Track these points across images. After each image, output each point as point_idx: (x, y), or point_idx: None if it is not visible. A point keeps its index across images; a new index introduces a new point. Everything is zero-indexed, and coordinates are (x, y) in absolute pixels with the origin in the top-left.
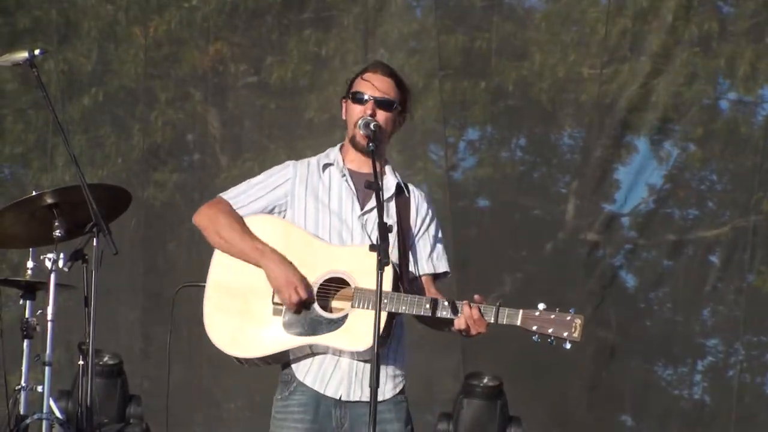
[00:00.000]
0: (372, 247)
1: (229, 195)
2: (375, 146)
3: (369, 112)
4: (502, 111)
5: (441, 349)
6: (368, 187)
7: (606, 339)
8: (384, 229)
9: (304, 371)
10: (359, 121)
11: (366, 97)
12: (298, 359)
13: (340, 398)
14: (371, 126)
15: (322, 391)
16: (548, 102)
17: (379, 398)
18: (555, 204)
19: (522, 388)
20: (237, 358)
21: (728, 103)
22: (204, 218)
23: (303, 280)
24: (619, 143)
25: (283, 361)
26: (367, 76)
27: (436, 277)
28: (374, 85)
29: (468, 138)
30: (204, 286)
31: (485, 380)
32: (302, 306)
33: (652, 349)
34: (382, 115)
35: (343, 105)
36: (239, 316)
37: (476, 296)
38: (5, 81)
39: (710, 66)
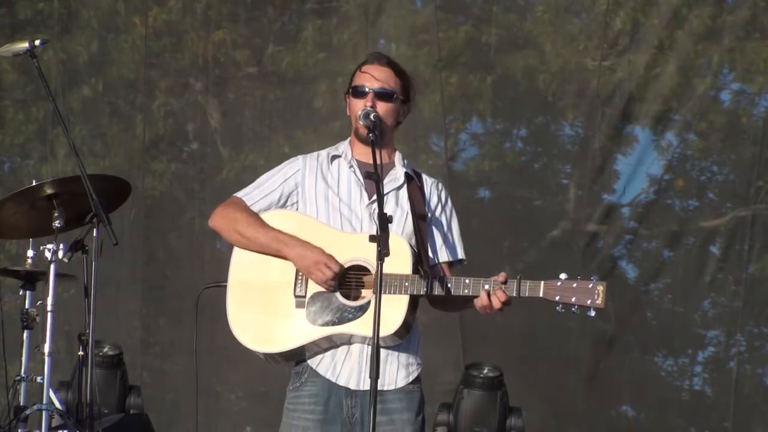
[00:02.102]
0: (372, 238)
1: (242, 193)
2: (375, 136)
3: (369, 103)
4: (503, 102)
5: (441, 340)
6: (368, 177)
7: (605, 330)
8: (383, 219)
9: (317, 361)
10: (360, 113)
11: (366, 89)
12: (312, 353)
13: (350, 387)
14: (371, 117)
15: (334, 380)
16: (549, 93)
17: (390, 387)
18: (555, 194)
19: (522, 378)
20: (264, 354)
21: (729, 94)
22: (220, 219)
23: (329, 256)
24: (619, 134)
25: (299, 357)
26: (366, 68)
27: (451, 264)
28: (373, 77)
29: (469, 129)
30: (225, 286)
31: (485, 371)
32: (336, 282)
33: (652, 340)
34: (382, 107)
35: (347, 100)
36: (263, 312)
37: (501, 275)
38: (5, 71)
39: (712, 57)
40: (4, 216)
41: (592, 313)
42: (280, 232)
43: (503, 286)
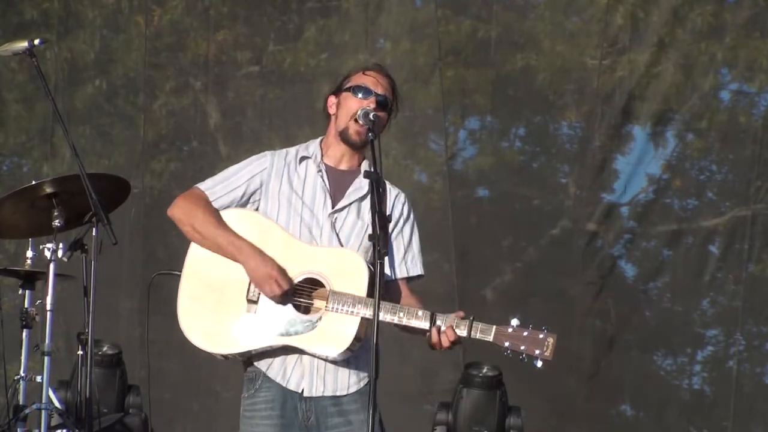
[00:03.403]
0: (370, 237)
1: (206, 185)
2: (375, 135)
3: (372, 105)
4: (502, 100)
5: None
6: (367, 176)
7: (605, 329)
8: (383, 219)
9: (267, 364)
10: (359, 111)
11: (372, 91)
12: (261, 356)
13: (302, 393)
14: (371, 116)
15: (284, 384)
16: (548, 91)
17: (343, 392)
18: (554, 194)
19: (521, 377)
20: (210, 353)
21: (729, 93)
22: (179, 211)
23: (283, 272)
24: (618, 133)
25: (247, 357)
26: (370, 73)
27: (409, 279)
28: (379, 83)
29: (468, 127)
30: (179, 275)
31: (485, 370)
32: (286, 297)
33: (652, 339)
34: (379, 114)
35: (333, 99)
36: (213, 311)
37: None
38: (9, 70)
39: (711, 56)
40: (4, 215)
41: (539, 364)
42: (237, 236)
43: (455, 323)
